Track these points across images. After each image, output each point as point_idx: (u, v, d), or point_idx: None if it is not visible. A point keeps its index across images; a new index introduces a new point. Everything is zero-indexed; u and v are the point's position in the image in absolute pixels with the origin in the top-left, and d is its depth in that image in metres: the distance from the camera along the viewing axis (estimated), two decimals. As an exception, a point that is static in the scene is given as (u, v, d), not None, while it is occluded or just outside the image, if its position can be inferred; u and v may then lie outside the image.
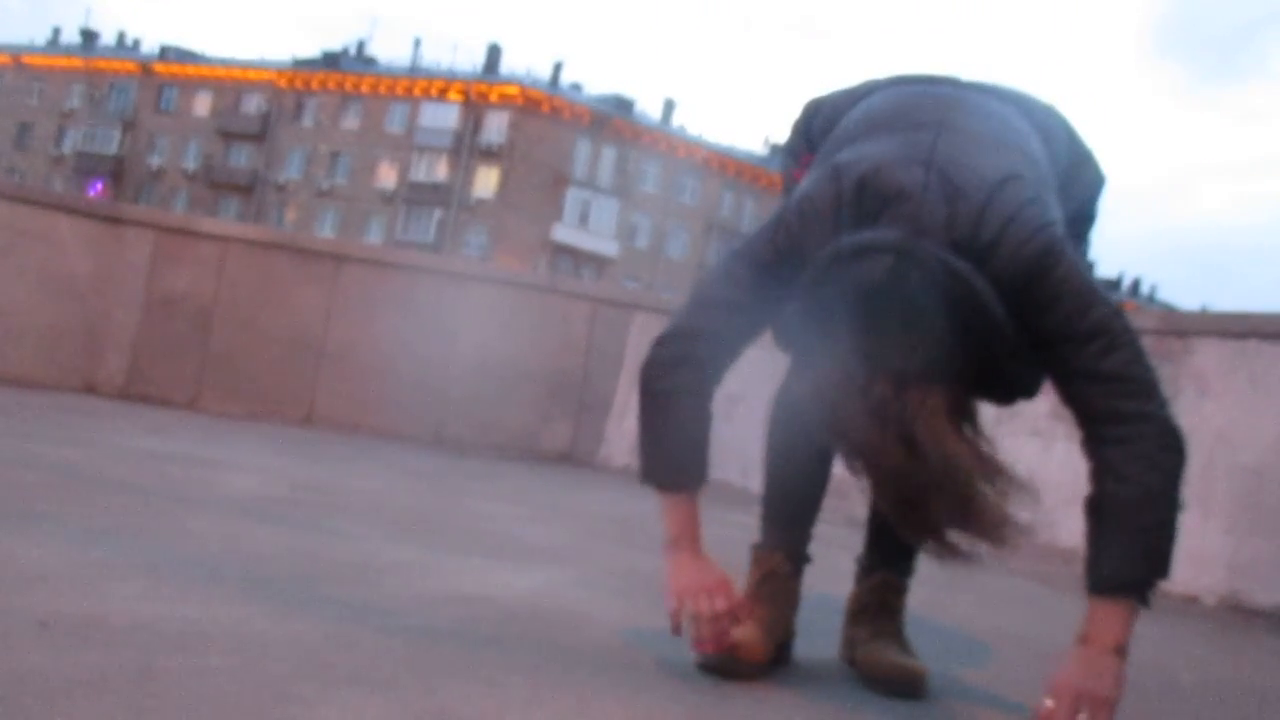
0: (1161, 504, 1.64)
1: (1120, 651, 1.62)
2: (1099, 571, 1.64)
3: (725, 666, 1.76)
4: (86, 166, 55.56)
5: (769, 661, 1.85)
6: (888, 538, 2.02)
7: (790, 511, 2.00)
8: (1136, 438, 1.61)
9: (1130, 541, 1.62)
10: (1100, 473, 1.65)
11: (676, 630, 1.76)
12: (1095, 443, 1.66)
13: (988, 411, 1.68)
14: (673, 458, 1.81)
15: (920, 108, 1.78)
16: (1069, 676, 1.60)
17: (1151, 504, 1.63)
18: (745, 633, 1.81)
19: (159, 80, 56.76)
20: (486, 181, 49.93)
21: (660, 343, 1.80)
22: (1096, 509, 1.66)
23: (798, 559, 1.98)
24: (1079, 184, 1.90)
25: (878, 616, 1.98)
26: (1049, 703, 1.58)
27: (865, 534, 2.07)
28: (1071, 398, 1.66)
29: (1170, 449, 1.63)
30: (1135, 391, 1.61)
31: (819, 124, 1.96)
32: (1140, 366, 1.63)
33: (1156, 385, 1.63)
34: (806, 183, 1.77)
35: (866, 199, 1.63)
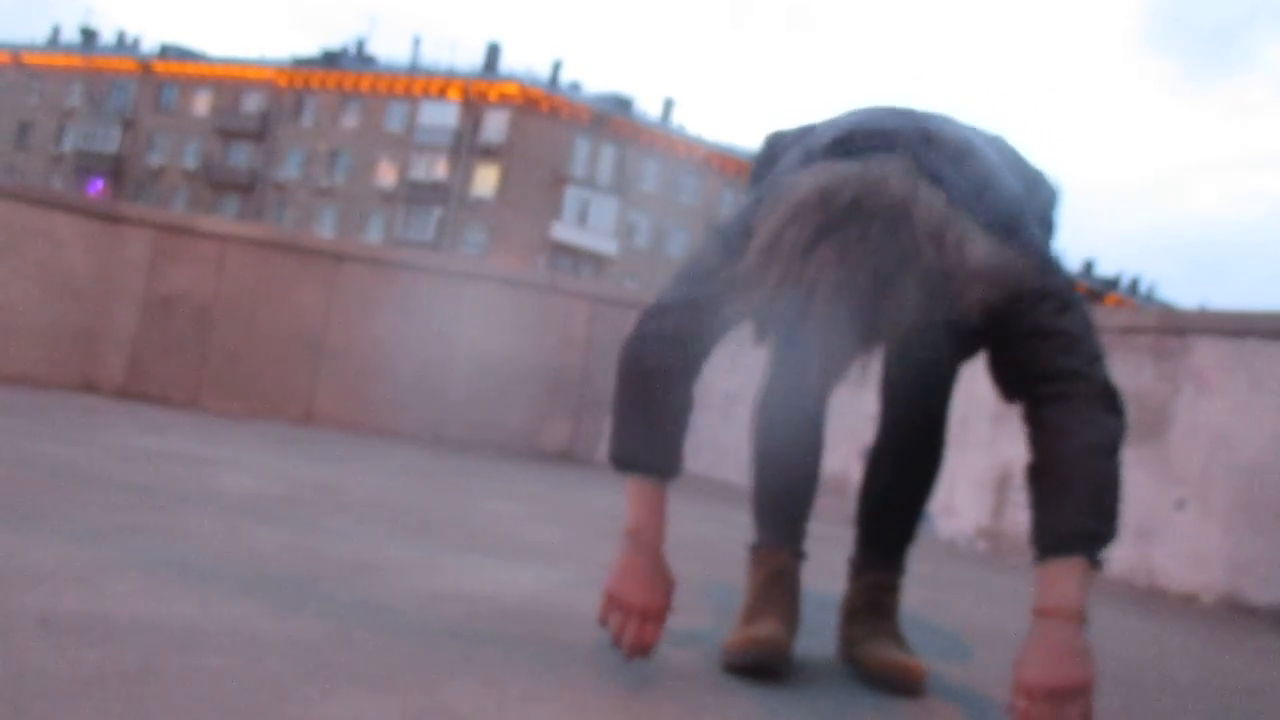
0: (1106, 459, 1.59)
1: (1081, 619, 1.54)
2: (1047, 531, 1.58)
3: (754, 663, 1.77)
4: (86, 165, 55.57)
5: (788, 656, 1.85)
6: (878, 538, 2.04)
7: (788, 509, 2.01)
8: (1078, 395, 1.59)
9: (1077, 496, 1.57)
10: (1041, 433, 1.62)
11: (603, 624, 1.72)
12: (1035, 404, 1.63)
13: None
14: (649, 440, 1.75)
15: (891, 113, 1.77)
16: (1038, 670, 1.51)
17: (1095, 457, 1.58)
18: (769, 630, 1.82)
19: (159, 79, 56.74)
20: (486, 180, 49.93)
21: (646, 316, 1.75)
22: (1039, 470, 1.62)
23: (799, 555, 2.00)
24: (1036, 201, 1.90)
25: (873, 615, 1.99)
26: (1021, 704, 1.50)
27: (856, 534, 2.07)
28: (1012, 362, 1.64)
29: (1114, 411, 1.61)
30: (1081, 351, 1.61)
31: (783, 157, 1.91)
32: (1088, 332, 1.63)
33: (1102, 354, 1.63)
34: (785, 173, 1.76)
35: (848, 148, 1.62)
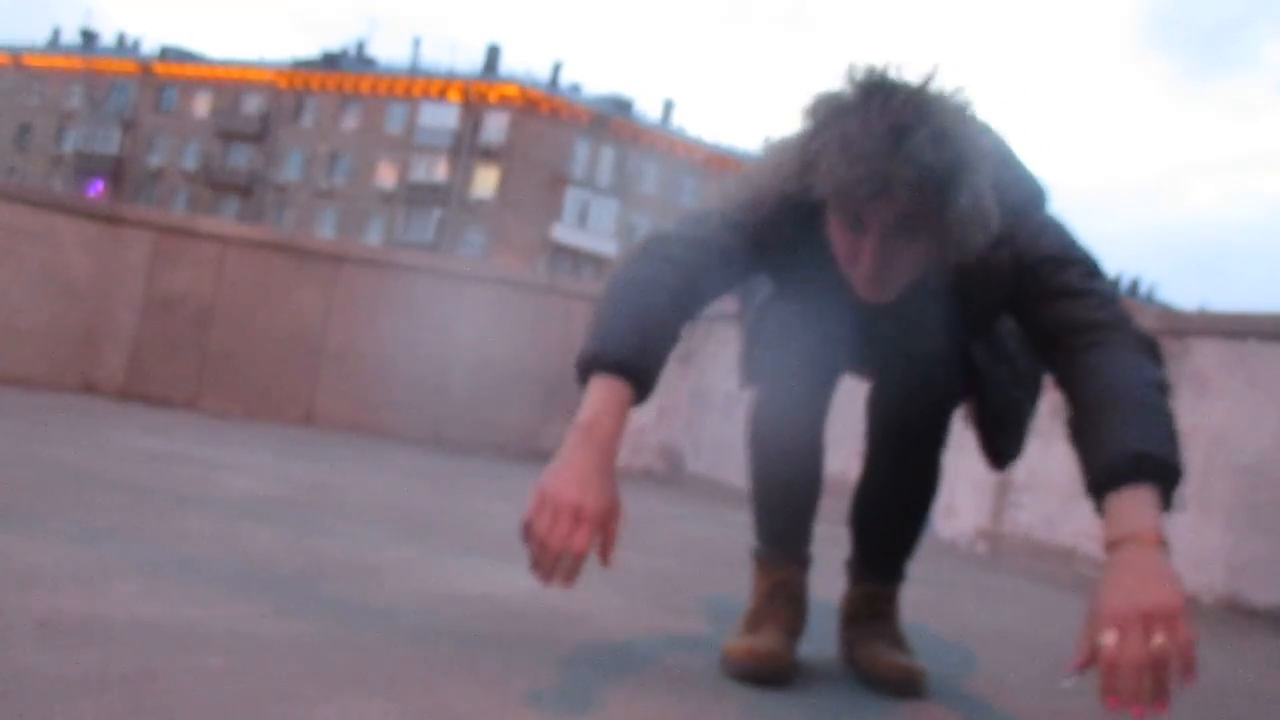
0: (1161, 395, 1.49)
1: (1162, 543, 1.38)
2: (1107, 461, 1.43)
3: (754, 673, 1.75)
4: (86, 166, 55.56)
5: (790, 667, 1.82)
6: (873, 549, 2.00)
7: (790, 523, 1.96)
8: (1119, 342, 1.54)
9: (1140, 421, 1.45)
10: (1083, 377, 1.52)
11: (524, 537, 1.44)
12: (1071, 354, 1.55)
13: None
14: (624, 338, 1.53)
15: None
16: (1123, 597, 1.33)
17: (1151, 391, 1.49)
18: (771, 642, 1.80)
19: (159, 80, 56.75)
20: (486, 181, 49.94)
21: (646, 240, 1.68)
22: (1086, 409, 1.50)
23: (804, 563, 1.98)
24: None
25: (872, 618, 1.97)
26: (1110, 639, 1.32)
27: (850, 541, 2.03)
28: (1042, 322, 1.59)
29: (1158, 360, 1.55)
30: (1115, 308, 1.58)
31: None
32: (1118, 296, 1.61)
33: (1132, 317, 1.61)
34: None
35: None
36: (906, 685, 1.84)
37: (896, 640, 1.94)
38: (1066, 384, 1.57)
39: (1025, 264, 1.61)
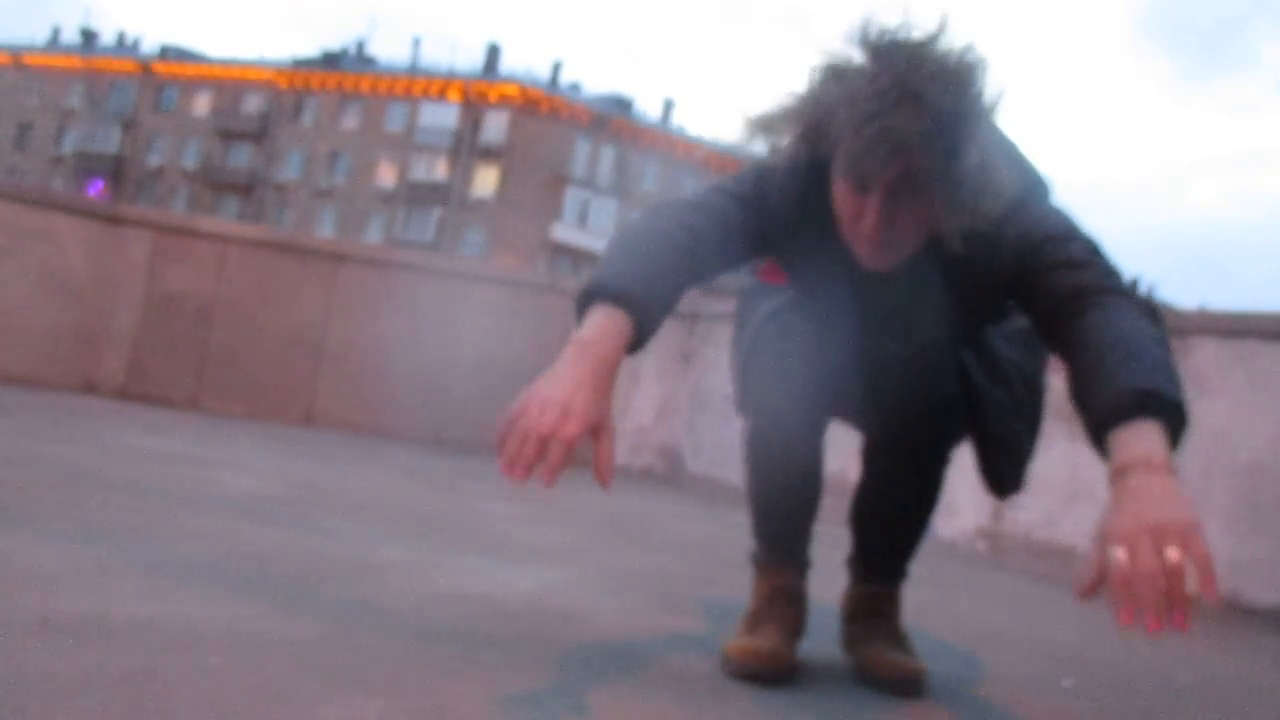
0: (1165, 349, 1.45)
1: (1172, 470, 1.32)
2: (1113, 394, 1.39)
3: (755, 673, 1.76)
4: (86, 166, 55.58)
5: (791, 668, 1.82)
6: (873, 551, 1.99)
7: (791, 531, 1.94)
8: (1121, 304, 1.52)
9: (1143, 360, 1.41)
10: (1083, 331, 1.49)
11: (503, 432, 1.37)
12: (1073, 317, 1.51)
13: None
14: (628, 272, 1.51)
15: None
16: (1129, 516, 1.28)
17: (1154, 342, 1.45)
18: (771, 642, 1.80)
19: (159, 80, 56.76)
20: (486, 181, 49.95)
21: (652, 208, 1.67)
22: (1086, 358, 1.46)
23: (804, 566, 1.97)
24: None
25: (873, 616, 1.97)
26: (1121, 554, 1.25)
27: (851, 541, 2.02)
28: (1048, 290, 1.56)
29: (1160, 323, 1.53)
30: (1119, 279, 1.57)
31: None
32: (1121, 274, 1.60)
33: (1135, 290, 1.60)
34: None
35: None
36: (906, 685, 1.84)
37: (897, 639, 1.94)
38: (1067, 345, 1.52)
39: (1030, 241, 1.60)
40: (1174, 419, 1.39)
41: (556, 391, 1.39)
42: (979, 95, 1.48)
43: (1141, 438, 1.36)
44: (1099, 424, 1.41)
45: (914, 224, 1.56)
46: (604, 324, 1.47)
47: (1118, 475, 1.34)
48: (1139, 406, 1.37)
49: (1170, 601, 1.22)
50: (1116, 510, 1.30)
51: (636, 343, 1.50)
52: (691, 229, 1.63)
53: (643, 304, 1.49)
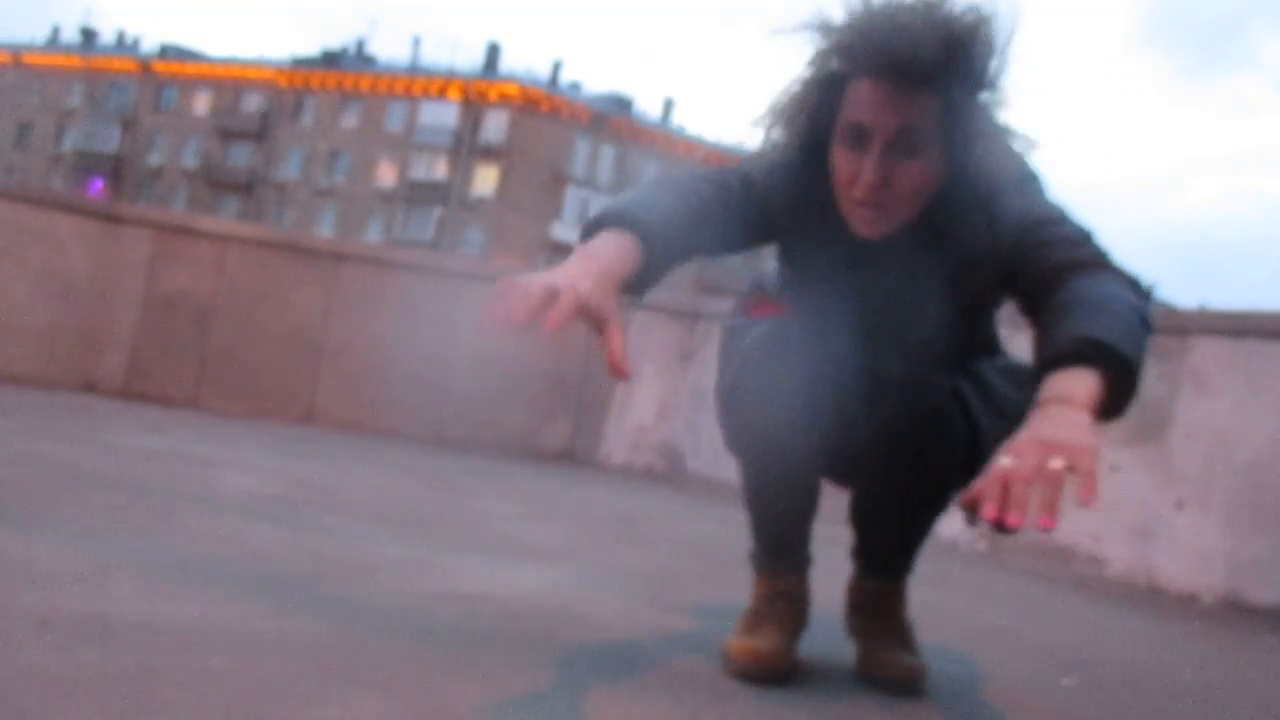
0: (1140, 316, 1.45)
1: (1091, 410, 1.33)
2: (1058, 342, 1.40)
3: (749, 673, 1.75)
4: (86, 165, 55.60)
5: (791, 667, 1.82)
6: (875, 548, 1.98)
7: (789, 532, 1.92)
8: (1108, 274, 1.53)
9: (1100, 318, 1.41)
10: (1059, 292, 1.50)
11: (496, 297, 1.31)
12: (1059, 285, 1.51)
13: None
14: (636, 207, 1.51)
15: None
16: (1030, 431, 1.29)
17: (1129, 306, 1.45)
18: (771, 642, 1.79)
19: (158, 79, 56.77)
20: (485, 180, 49.96)
21: (660, 177, 1.73)
22: (1052, 314, 1.47)
23: (804, 566, 1.96)
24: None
25: (875, 613, 1.96)
26: (1006, 459, 1.25)
27: (853, 538, 2.00)
28: (1040, 265, 1.57)
29: (1146, 298, 1.53)
30: (1109, 256, 1.58)
31: None
32: (1113, 256, 1.61)
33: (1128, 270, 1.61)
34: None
35: None
36: (907, 684, 1.84)
37: (899, 637, 1.93)
38: (1047, 310, 1.51)
39: (1026, 221, 1.62)
40: (1119, 374, 1.38)
41: (558, 275, 1.36)
42: (995, 18, 1.53)
43: (1070, 379, 1.36)
44: (1041, 369, 1.41)
45: (910, 185, 1.59)
46: (610, 239, 1.46)
47: (1035, 409, 1.35)
48: (1078, 354, 1.38)
49: (1042, 504, 1.21)
50: (1019, 432, 1.31)
51: (640, 277, 1.49)
52: (700, 194, 1.65)
53: (651, 233, 1.48)
